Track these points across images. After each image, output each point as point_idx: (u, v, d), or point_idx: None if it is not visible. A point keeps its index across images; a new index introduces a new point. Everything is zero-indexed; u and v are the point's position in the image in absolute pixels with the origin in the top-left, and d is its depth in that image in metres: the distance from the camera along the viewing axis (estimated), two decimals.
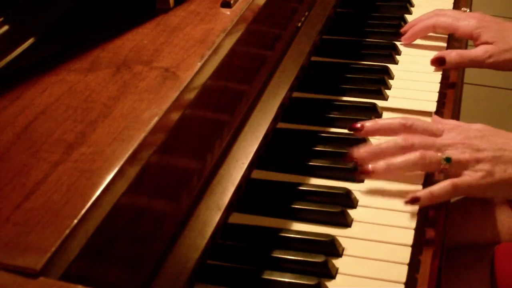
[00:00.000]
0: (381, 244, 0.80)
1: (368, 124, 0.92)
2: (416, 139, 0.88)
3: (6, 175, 0.58)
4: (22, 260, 0.51)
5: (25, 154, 0.61)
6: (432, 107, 1.04)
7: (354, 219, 0.83)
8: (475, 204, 1.14)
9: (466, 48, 1.22)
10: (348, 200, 0.86)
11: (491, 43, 1.11)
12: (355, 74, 1.12)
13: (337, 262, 0.77)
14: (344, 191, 0.86)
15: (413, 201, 0.84)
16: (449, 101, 1.10)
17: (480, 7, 2.86)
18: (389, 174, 0.87)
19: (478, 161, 0.86)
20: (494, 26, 1.13)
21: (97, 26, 0.84)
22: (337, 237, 0.80)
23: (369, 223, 0.83)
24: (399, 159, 0.87)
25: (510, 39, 1.11)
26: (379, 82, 1.09)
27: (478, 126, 0.92)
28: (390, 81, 1.11)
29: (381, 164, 0.87)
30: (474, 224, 1.10)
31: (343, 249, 0.79)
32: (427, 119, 1.00)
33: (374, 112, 1.02)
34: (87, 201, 0.56)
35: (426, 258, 0.81)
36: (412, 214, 0.84)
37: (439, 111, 1.06)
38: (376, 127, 0.92)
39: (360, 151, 0.89)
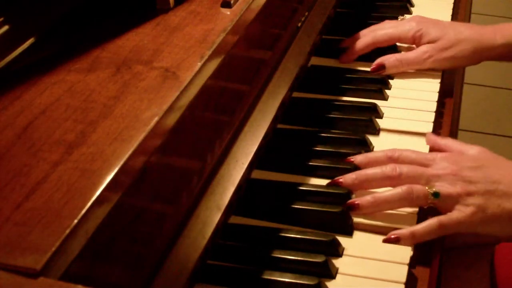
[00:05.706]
0: (381, 244, 0.80)
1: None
2: (404, 168, 0.84)
3: (6, 175, 0.58)
4: (22, 260, 0.51)
5: (25, 154, 0.61)
6: (433, 107, 1.04)
7: (354, 219, 0.83)
8: None
9: None
10: (348, 200, 0.85)
11: (433, 43, 1.09)
12: (355, 74, 1.12)
13: (337, 262, 0.77)
14: (345, 191, 0.86)
15: (393, 241, 0.80)
16: (449, 102, 1.10)
17: (480, 7, 2.86)
18: (375, 208, 0.83)
19: (469, 194, 0.81)
20: (434, 25, 1.11)
21: (97, 26, 0.84)
22: (337, 237, 0.80)
23: (369, 223, 0.83)
24: (385, 194, 0.83)
25: (451, 36, 1.09)
26: (379, 82, 1.09)
27: (474, 151, 0.88)
28: (390, 81, 1.11)
29: (367, 198, 0.83)
30: None
31: (343, 249, 0.79)
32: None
33: (374, 112, 1.02)
34: (87, 201, 0.56)
35: (426, 258, 0.81)
36: (412, 214, 0.84)
37: (439, 111, 1.06)
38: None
39: (346, 178, 0.86)
